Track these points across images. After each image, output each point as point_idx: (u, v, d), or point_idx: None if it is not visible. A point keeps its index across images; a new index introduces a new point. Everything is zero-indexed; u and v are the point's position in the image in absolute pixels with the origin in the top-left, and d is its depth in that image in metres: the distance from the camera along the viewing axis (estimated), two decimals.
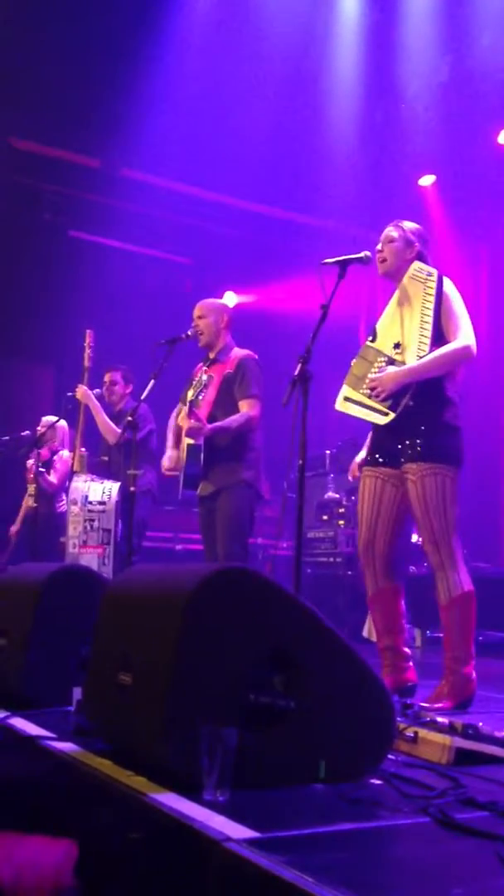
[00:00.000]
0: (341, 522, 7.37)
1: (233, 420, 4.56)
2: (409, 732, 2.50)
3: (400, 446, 3.58)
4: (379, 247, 3.74)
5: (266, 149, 7.90)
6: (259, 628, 2.14)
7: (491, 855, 1.64)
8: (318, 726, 2.14)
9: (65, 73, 7.24)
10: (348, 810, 1.92)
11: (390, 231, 3.75)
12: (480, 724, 2.52)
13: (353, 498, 7.08)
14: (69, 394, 6.01)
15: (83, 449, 5.92)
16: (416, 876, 1.61)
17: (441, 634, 3.64)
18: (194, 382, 4.78)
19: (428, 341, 3.51)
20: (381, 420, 3.55)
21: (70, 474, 5.97)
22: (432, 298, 3.56)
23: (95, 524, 5.33)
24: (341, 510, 7.43)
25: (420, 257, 3.72)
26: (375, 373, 3.58)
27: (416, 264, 3.67)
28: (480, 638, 5.35)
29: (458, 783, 2.15)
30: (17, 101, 7.55)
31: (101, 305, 8.14)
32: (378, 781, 2.15)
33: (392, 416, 3.52)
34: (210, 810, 1.82)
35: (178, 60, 7.33)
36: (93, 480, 5.50)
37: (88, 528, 5.33)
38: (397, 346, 3.59)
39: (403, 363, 3.54)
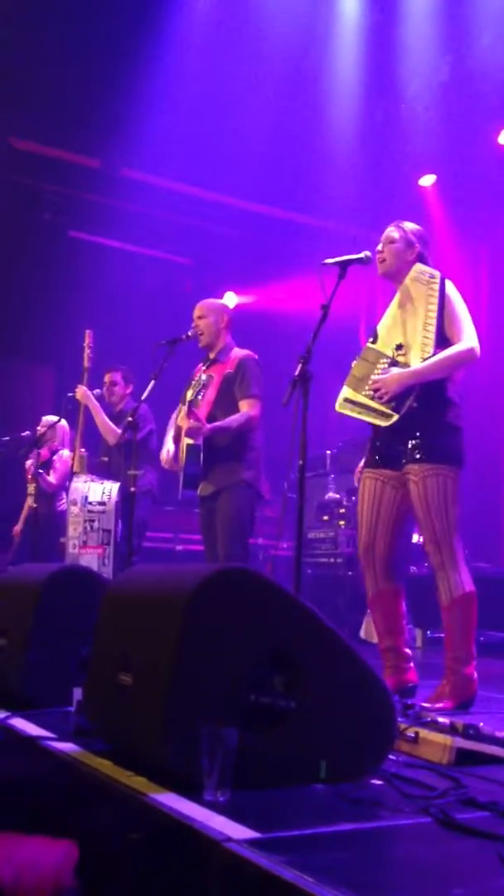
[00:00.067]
0: (342, 523, 7.37)
1: (233, 420, 4.55)
2: (410, 733, 2.50)
3: (401, 447, 3.57)
4: (379, 247, 3.74)
5: (266, 149, 7.90)
6: (259, 628, 2.13)
7: (492, 855, 1.64)
8: (318, 726, 2.14)
9: (65, 73, 7.24)
10: (349, 810, 1.92)
11: (391, 232, 3.75)
12: (481, 724, 2.52)
13: (353, 498, 7.08)
14: (69, 394, 6.01)
15: (83, 449, 5.92)
16: (417, 876, 1.61)
17: (442, 635, 3.64)
18: (194, 382, 4.78)
19: (432, 343, 3.51)
20: (384, 422, 3.54)
21: (70, 474, 5.96)
22: (436, 300, 3.56)
23: (95, 525, 5.33)
24: (342, 510, 7.43)
25: (420, 258, 3.72)
26: (378, 374, 3.57)
27: (419, 266, 3.66)
28: (481, 638, 5.35)
29: (458, 783, 2.15)
30: (17, 101, 7.55)
31: (101, 306, 8.14)
32: (379, 782, 2.15)
33: (395, 417, 3.51)
34: (210, 810, 1.82)
35: (178, 60, 7.33)
36: (93, 481, 5.49)
37: (88, 528, 5.33)
38: (400, 347, 3.58)
39: (406, 365, 3.53)
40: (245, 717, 2.04)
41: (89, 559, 5.24)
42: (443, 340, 3.55)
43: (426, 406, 3.53)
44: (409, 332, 3.58)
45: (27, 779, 2.54)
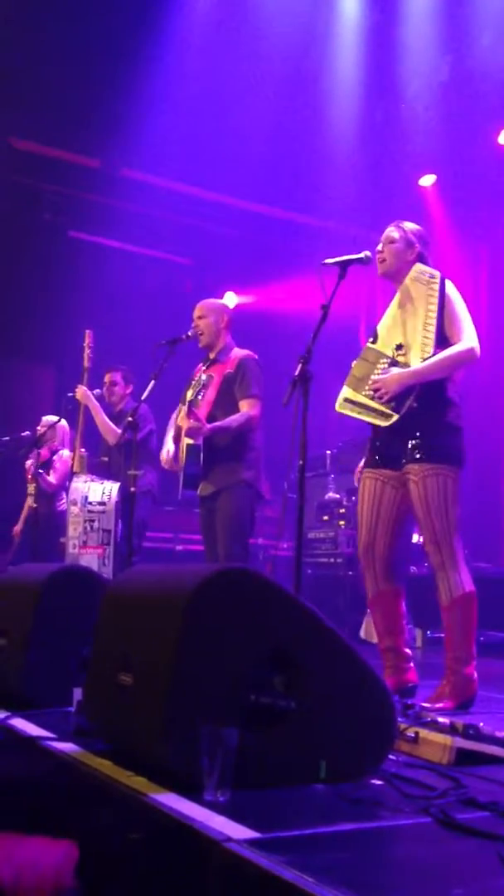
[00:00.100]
0: (342, 523, 7.37)
1: (233, 420, 4.55)
2: (410, 733, 2.50)
3: (401, 447, 3.57)
4: (379, 247, 3.74)
5: (266, 149, 7.90)
6: (259, 629, 2.13)
7: (492, 855, 1.64)
8: (318, 726, 2.14)
9: (65, 73, 7.24)
10: (349, 810, 1.92)
11: (391, 232, 3.75)
12: (481, 724, 2.52)
13: (353, 498, 7.08)
14: (69, 394, 6.01)
15: (83, 449, 5.92)
16: (417, 876, 1.61)
17: (442, 635, 3.64)
18: (194, 382, 4.78)
19: (432, 343, 3.51)
20: (384, 422, 3.54)
21: (70, 474, 5.96)
22: (436, 301, 3.56)
23: (95, 525, 5.33)
24: (342, 510, 7.43)
25: (420, 259, 3.72)
26: (378, 374, 3.57)
27: (419, 266, 3.66)
28: (482, 638, 5.35)
29: (458, 783, 2.15)
30: (17, 101, 7.55)
31: (101, 306, 8.14)
32: (379, 782, 2.15)
33: (395, 417, 3.51)
34: (210, 810, 1.82)
35: (178, 60, 7.33)
36: (93, 481, 5.49)
37: (88, 528, 5.33)
38: (400, 347, 3.58)
39: (407, 365, 3.53)
40: (245, 717, 2.04)
41: (89, 559, 5.24)
42: (443, 340, 3.55)
43: (426, 406, 3.53)
44: (409, 332, 3.58)
45: (27, 779, 2.54)
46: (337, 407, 3.65)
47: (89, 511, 5.34)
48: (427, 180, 8.58)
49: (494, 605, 5.62)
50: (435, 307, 3.55)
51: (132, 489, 4.70)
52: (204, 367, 4.80)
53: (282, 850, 1.59)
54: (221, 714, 1.98)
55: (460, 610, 3.49)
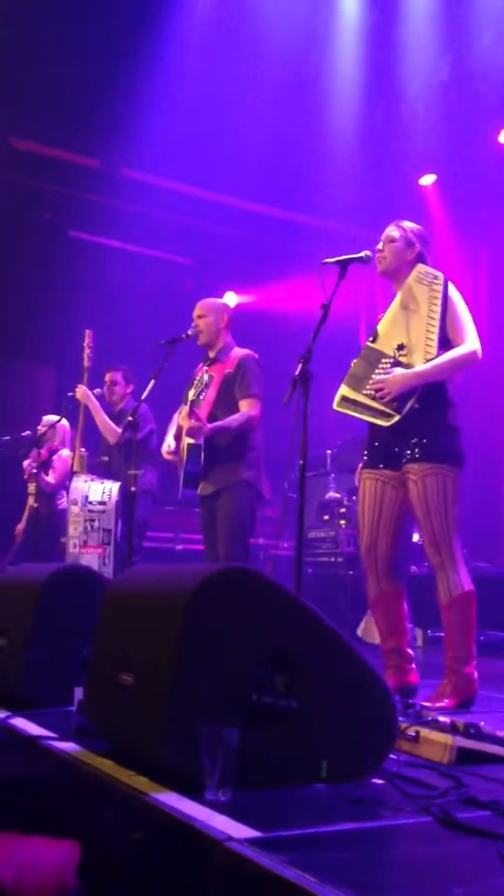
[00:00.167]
0: (342, 522, 7.37)
1: (233, 420, 4.56)
2: (411, 732, 2.50)
3: (400, 448, 3.57)
4: (380, 246, 3.74)
5: (266, 149, 7.90)
6: (260, 628, 2.13)
7: (493, 854, 1.64)
8: (319, 726, 2.14)
9: (65, 73, 7.24)
10: (350, 810, 1.92)
11: (391, 231, 3.75)
12: (482, 723, 2.52)
13: (354, 498, 7.08)
14: (69, 394, 6.01)
15: (83, 449, 5.92)
16: (418, 875, 1.61)
17: (442, 634, 3.64)
18: (196, 382, 4.79)
19: (435, 344, 3.51)
20: (385, 422, 3.54)
21: (70, 474, 5.96)
22: (439, 302, 3.56)
23: (96, 524, 5.33)
24: (342, 510, 7.43)
25: (420, 258, 3.72)
26: (380, 374, 3.57)
27: (422, 267, 3.66)
28: (482, 638, 5.35)
29: (459, 783, 2.15)
30: (17, 101, 7.55)
31: (102, 305, 8.14)
32: (380, 781, 2.15)
33: (397, 418, 3.51)
34: (212, 810, 1.82)
35: (178, 60, 7.33)
36: (93, 480, 5.49)
37: (89, 528, 5.33)
38: (401, 347, 3.58)
39: (409, 365, 3.53)
40: (246, 716, 2.04)
41: (90, 559, 5.24)
42: (445, 342, 3.55)
43: (426, 406, 3.53)
44: (412, 333, 3.57)
45: (28, 779, 2.54)
46: (335, 406, 3.65)
47: (89, 511, 5.34)
48: (427, 180, 8.58)
49: (494, 604, 5.62)
50: (438, 309, 3.55)
51: (132, 489, 4.70)
52: (205, 367, 4.80)
53: (283, 849, 1.59)
54: (222, 714, 1.98)
55: (459, 609, 3.49)
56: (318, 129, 8.03)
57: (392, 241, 3.72)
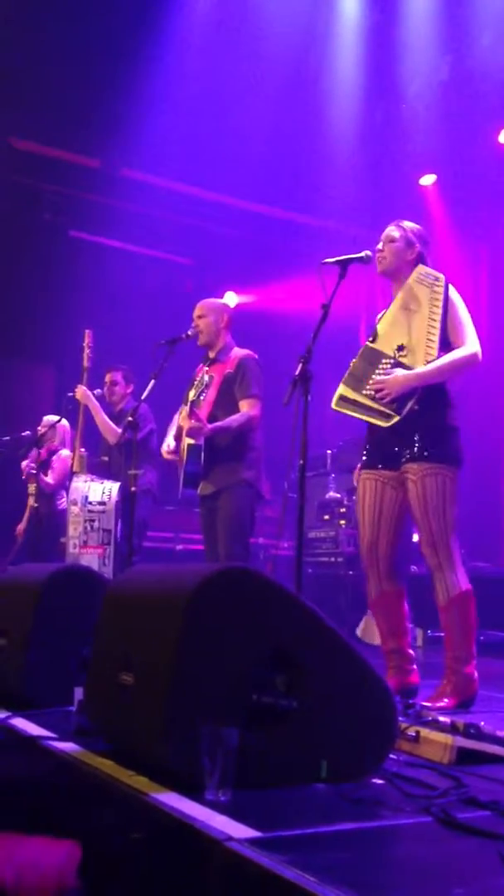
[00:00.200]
0: (342, 522, 7.37)
1: (233, 420, 4.56)
2: (411, 732, 2.50)
3: (399, 448, 3.58)
4: (380, 246, 3.74)
5: (266, 149, 7.90)
6: (260, 628, 2.13)
7: (493, 854, 1.64)
8: (319, 726, 2.14)
9: (65, 73, 7.24)
10: (350, 810, 1.92)
11: (392, 231, 3.75)
12: (482, 723, 2.52)
13: (354, 498, 7.07)
14: (69, 394, 6.01)
15: (83, 449, 5.92)
16: (418, 875, 1.61)
17: (442, 634, 3.64)
18: (196, 382, 4.79)
19: (436, 346, 3.51)
20: (385, 423, 3.54)
21: (70, 474, 5.96)
22: (440, 304, 3.56)
23: (96, 524, 5.33)
24: (342, 510, 7.43)
25: (420, 258, 3.72)
26: (380, 374, 3.57)
27: (423, 268, 3.66)
28: (482, 638, 5.35)
29: (459, 783, 2.15)
30: (17, 101, 7.55)
31: (102, 306, 8.14)
32: (380, 781, 2.15)
33: (396, 419, 3.51)
34: (212, 810, 1.82)
35: (178, 60, 7.33)
36: (93, 481, 5.49)
37: (89, 528, 5.33)
38: (401, 348, 3.58)
39: (410, 366, 3.53)
40: (246, 716, 2.04)
41: (90, 559, 5.24)
42: (445, 344, 3.56)
43: (426, 407, 3.53)
44: (412, 334, 3.57)
45: (28, 779, 2.54)
46: (333, 405, 3.64)
47: (89, 511, 5.34)
48: (427, 180, 8.58)
49: (494, 604, 5.62)
50: (439, 310, 3.55)
51: (132, 489, 4.70)
52: (205, 368, 4.81)
53: (283, 849, 1.59)
54: (222, 714, 1.98)
55: (458, 609, 3.49)
56: (318, 129, 8.03)
57: (392, 240, 3.72)
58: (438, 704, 3.36)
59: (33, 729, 2.61)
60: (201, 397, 4.68)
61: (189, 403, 4.70)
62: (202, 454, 4.52)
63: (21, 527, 6.82)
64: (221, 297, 7.56)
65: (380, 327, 3.69)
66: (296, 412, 3.35)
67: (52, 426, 6.62)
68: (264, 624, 2.14)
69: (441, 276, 3.63)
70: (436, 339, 3.52)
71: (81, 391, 5.86)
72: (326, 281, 3.51)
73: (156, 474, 5.77)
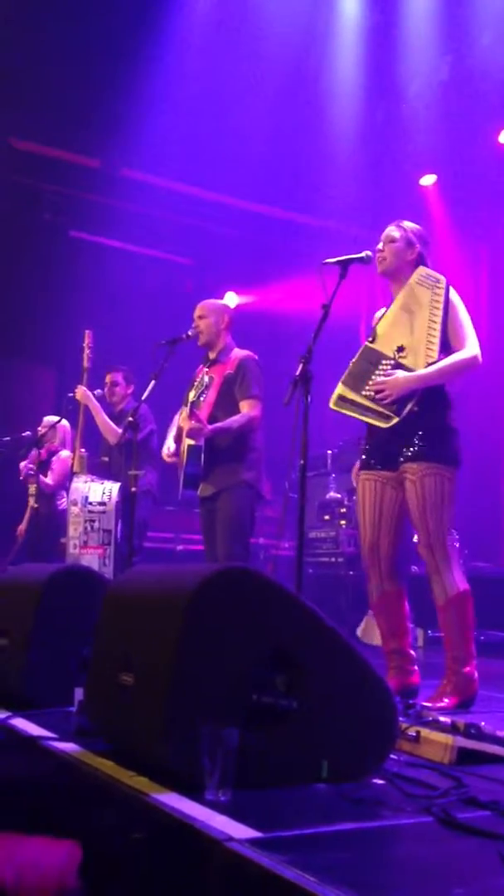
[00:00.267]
0: (343, 522, 7.37)
1: (233, 421, 4.56)
2: (412, 732, 2.50)
3: (398, 448, 3.58)
4: (380, 246, 3.74)
5: (266, 149, 7.90)
6: (260, 628, 2.13)
7: (493, 854, 1.64)
8: (320, 726, 2.14)
9: (65, 73, 7.24)
10: (350, 810, 1.92)
11: (392, 231, 3.75)
12: (483, 723, 2.52)
13: (354, 498, 7.08)
14: (69, 394, 6.01)
15: (83, 449, 5.92)
16: (419, 875, 1.61)
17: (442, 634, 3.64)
18: (196, 383, 4.79)
19: (436, 348, 3.52)
20: (383, 424, 3.54)
21: (70, 474, 5.96)
22: (440, 306, 3.56)
23: (96, 525, 5.33)
24: (343, 510, 7.43)
25: (420, 258, 3.72)
26: (380, 375, 3.57)
27: (424, 270, 3.66)
28: (482, 638, 5.36)
29: (460, 783, 2.15)
30: (17, 101, 7.56)
31: (102, 306, 8.14)
32: (380, 781, 2.15)
33: (396, 420, 3.51)
34: (212, 810, 1.82)
35: (178, 60, 7.33)
36: (93, 481, 5.49)
37: (89, 528, 5.33)
38: (401, 349, 3.58)
39: (410, 367, 3.53)
40: (246, 716, 2.04)
41: (90, 559, 5.24)
42: (445, 346, 3.56)
43: (425, 408, 3.53)
44: (412, 335, 3.57)
45: (28, 779, 2.54)
46: (331, 404, 3.63)
47: (90, 511, 5.34)
48: (427, 180, 8.58)
49: (494, 605, 5.62)
50: (440, 313, 3.55)
51: (133, 489, 4.70)
52: (206, 369, 4.80)
53: (283, 849, 1.59)
54: (222, 714, 1.98)
55: (456, 609, 3.49)
56: (318, 129, 8.03)
57: (392, 241, 3.72)
58: (438, 704, 3.36)
59: (34, 729, 2.61)
60: (201, 398, 4.67)
61: (189, 404, 4.69)
62: (202, 455, 4.52)
63: (22, 527, 6.82)
64: (222, 297, 7.58)
65: (379, 328, 3.69)
66: (296, 412, 3.35)
67: (53, 427, 6.62)
68: (264, 624, 2.14)
69: (442, 278, 3.63)
70: (436, 341, 3.52)
71: (81, 391, 5.86)
72: (327, 281, 3.51)
73: (156, 475, 5.77)
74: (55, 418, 6.68)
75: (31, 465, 6.44)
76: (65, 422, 6.59)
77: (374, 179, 8.41)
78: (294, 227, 9.48)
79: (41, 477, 6.48)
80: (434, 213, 8.52)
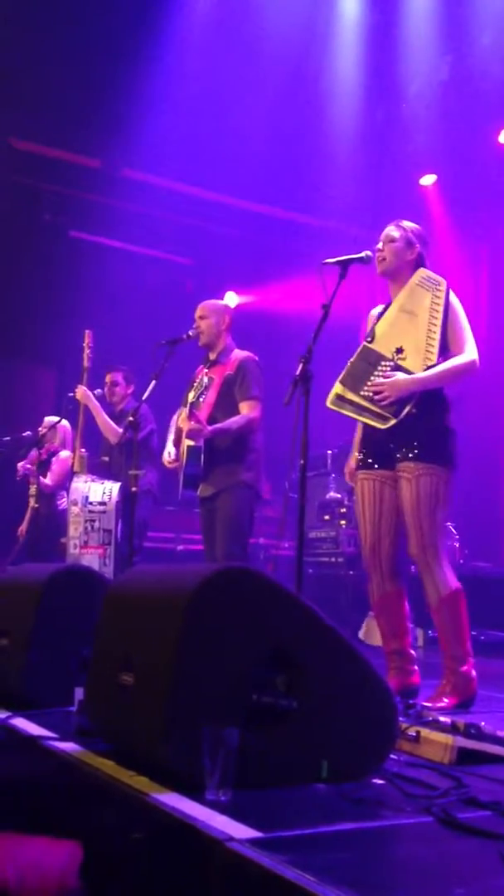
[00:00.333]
0: (343, 522, 7.37)
1: (233, 422, 4.56)
2: (412, 732, 2.50)
3: (394, 446, 3.58)
4: (379, 245, 3.74)
5: (266, 149, 7.90)
6: (260, 628, 2.13)
7: (493, 854, 1.64)
8: (320, 726, 2.14)
9: (65, 73, 7.24)
10: (351, 810, 1.92)
11: (391, 231, 3.74)
12: (483, 723, 2.52)
13: (354, 498, 7.08)
14: (69, 394, 6.01)
15: (83, 449, 5.92)
16: (419, 875, 1.61)
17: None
18: (195, 384, 4.79)
19: (436, 351, 3.52)
20: (381, 425, 3.54)
21: (70, 474, 5.96)
22: (440, 309, 3.56)
23: (96, 525, 5.33)
24: (343, 510, 7.43)
25: (420, 258, 3.72)
26: (379, 376, 3.56)
27: (424, 272, 3.66)
28: (482, 638, 5.35)
29: (460, 783, 2.15)
30: (17, 101, 7.56)
31: (102, 306, 8.14)
32: (380, 781, 2.15)
33: (393, 421, 3.51)
34: (212, 810, 1.82)
35: (178, 60, 7.33)
36: (93, 481, 5.49)
37: (89, 528, 5.33)
38: (400, 350, 3.58)
39: (409, 369, 3.53)
40: (246, 716, 2.04)
41: (90, 559, 5.24)
42: (443, 349, 3.56)
43: (423, 409, 3.53)
44: (412, 337, 3.57)
45: (29, 779, 2.54)
46: (328, 403, 3.63)
47: (90, 511, 5.34)
48: (427, 180, 8.58)
49: (494, 604, 5.62)
50: (440, 316, 3.55)
51: (133, 489, 4.70)
52: (205, 369, 4.80)
53: (283, 849, 1.59)
54: (222, 714, 1.98)
55: (448, 608, 3.50)
56: (318, 129, 8.03)
57: (392, 240, 3.72)
58: (438, 705, 3.36)
59: (34, 729, 2.61)
60: (200, 399, 4.67)
61: (188, 405, 4.69)
62: (202, 456, 4.52)
63: (23, 527, 6.82)
64: (222, 297, 7.58)
65: (378, 328, 3.69)
66: (296, 412, 3.35)
67: (53, 427, 6.62)
68: (264, 624, 2.14)
69: (443, 280, 3.63)
70: (436, 344, 3.53)
71: (81, 391, 5.86)
72: (327, 281, 3.51)
73: (156, 474, 5.77)
74: (55, 418, 6.68)
75: (28, 465, 6.44)
76: (65, 422, 6.59)
77: (374, 179, 8.41)
78: (294, 227, 9.48)
79: (40, 477, 6.48)
80: (434, 213, 8.52)
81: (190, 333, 4.74)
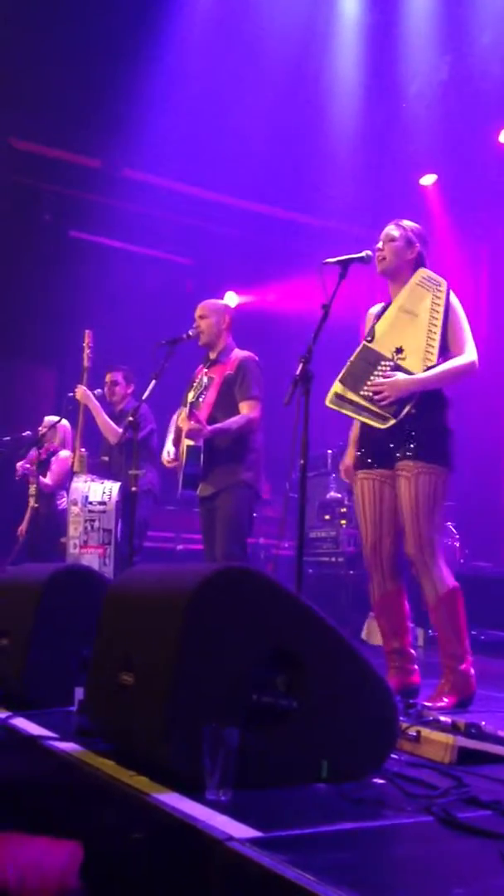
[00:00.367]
0: (343, 522, 7.37)
1: (233, 422, 4.56)
2: (412, 732, 2.50)
3: (394, 445, 3.58)
4: (379, 245, 3.74)
5: (266, 149, 7.91)
6: (260, 628, 2.13)
7: (494, 854, 1.64)
8: (320, 726, 2.14)
9: (65, 73, 7.24)
10: (351, 810, 1.92)
11: (391, 230, 3.74)
12: (483, 723, 2.52)
13: (354, 497, 7.07)
14: (69, 394, 6.01)
15: (83, 449, 5.92)
16: (419, 875, 1.61)
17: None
18: (195, 384, 4.79)
19: (436, 352, 3.52)
20: (381, 425, 3.54)
21: (70, 474, 5.96)
22: (441, 309, 3.56)
23: (96, 524, 5.33)
24: (343, 510, 7.43)
25: (420, 258, 3.72)
26: (379, 376, 3.56)
27: (425, 271, 3.66)
28: (482, 637, 5.34)
29: (461, 782, 2.15)
30: (17, 101, 7.56)
31: (102, 306, 8.14)
32: (381, 781, 2.15)
33: (392, 422, 3.52)
34: (212, 810, 1.82)
35: (178, 60, 7.33)
36: (93, 481, 5.49)
37: (89, 528, 5.33)
38: (400, 350, 3.58)
39: (409, 369, 3.53)
40: (247, 716, 2.04)
41: (90, 559, 5.24)
42: (443, 350, 3.56)
43: (423, 409, 3.54)
44: (412, 337, 3.57)
45: (29, 779, 2.54)
46: (327, 402, 3.63)
47: (90, 511, 5.34)
48: (428, 180, 8.58)
49: (494, 604, 5.62)
50: (440, 316, 3.55)
51: (133, 489, 4.70)
52: (205, 369, 4.80)
53: (284, 849, 1.59)
54: (223, 714, 1.98)
55: (446, 607, 3.50)
56: (318, 129, 8.03)
57: (392, 240, 3.72)
58: (438, 704, 3.36)
59: (34, 729, 2.61)
60: (200, 399, 4.67)
61: (188, 405, 4.69)
62: (201, 456, 4.52)
63: (23, 527, 6.82)
64: (222, 297, 7.58)
65: (378, 327, 3.69)
66: (296, 412, 3.35)
67: (53, 426, 6.62)
68: (264, 624, 2.14)
69: (443, 281, 3.63)
70: (436, 344, 3.53)
71: (81, 391, 5.86)
72: (327, 281, 3.51)
73: (156, 474, 5.77)
74: (55, 418, 6.68)
75: (27, 465, 6.44)
76: (65, 422, 6.59)
77: (374, 179, 8.41)
78: (294, 227, 9.48)
79: (40, 477, 6.48)
80: (434, 213, 8.52)
81: (190, 333, 4.74)
